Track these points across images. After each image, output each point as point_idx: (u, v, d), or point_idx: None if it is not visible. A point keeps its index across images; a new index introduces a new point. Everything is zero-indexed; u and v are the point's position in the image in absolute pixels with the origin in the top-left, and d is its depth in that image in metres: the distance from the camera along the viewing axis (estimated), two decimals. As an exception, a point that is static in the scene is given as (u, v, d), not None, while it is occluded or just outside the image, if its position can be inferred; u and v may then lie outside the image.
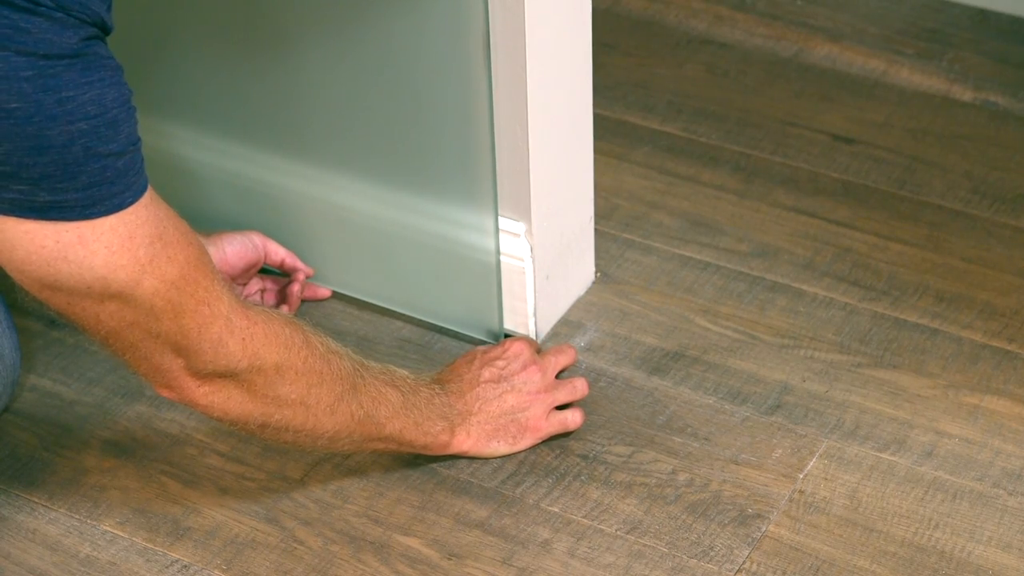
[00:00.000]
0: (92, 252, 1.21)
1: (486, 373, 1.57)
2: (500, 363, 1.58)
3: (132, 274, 1.23)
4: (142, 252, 1.23)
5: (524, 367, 1.58)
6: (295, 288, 1.73)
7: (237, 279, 1.71)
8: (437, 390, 1.53)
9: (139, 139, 1.22)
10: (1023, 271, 1.78)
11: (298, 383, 1.39)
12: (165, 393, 1.35)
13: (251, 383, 1.36)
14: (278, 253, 1.73)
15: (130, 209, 1.21)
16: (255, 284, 1.75)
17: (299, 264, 1.74)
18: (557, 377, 1.63)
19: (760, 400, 1.64)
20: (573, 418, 1.60)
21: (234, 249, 1.68)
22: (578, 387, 1.61)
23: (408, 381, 1.51)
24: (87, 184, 1.18)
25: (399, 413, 1.48)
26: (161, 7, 1.69)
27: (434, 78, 1.59)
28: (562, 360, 1.64)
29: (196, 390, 1.34)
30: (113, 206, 1.20)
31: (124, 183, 1.20)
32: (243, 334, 1.33)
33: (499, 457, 1.58)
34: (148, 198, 1.23)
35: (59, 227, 1.19)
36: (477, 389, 1.56)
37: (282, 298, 1.75)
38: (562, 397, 1.60)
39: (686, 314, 1.74)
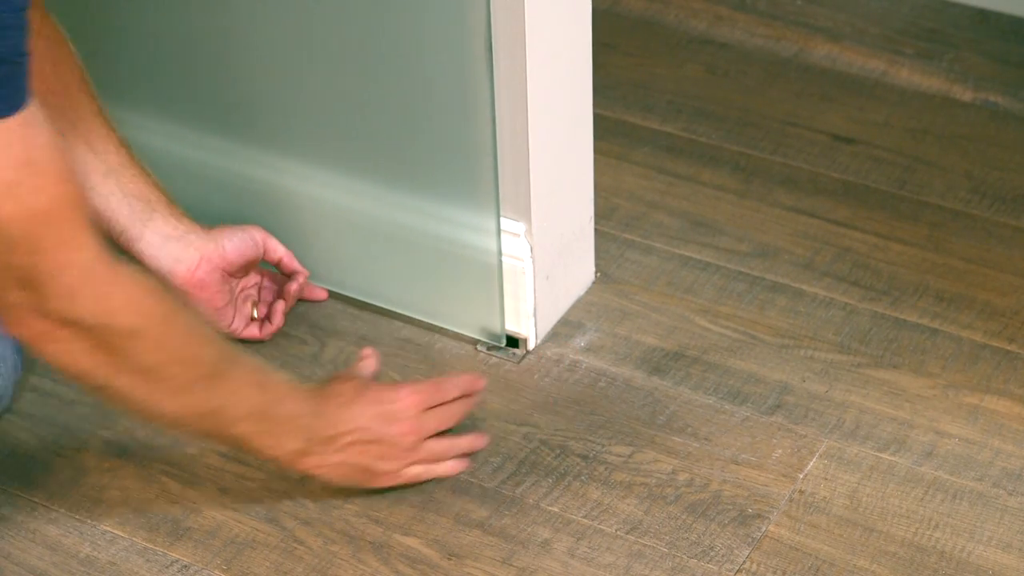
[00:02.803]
0: None
1: (367, 414, 1.51)
2: (383, 408, 1.52)
3: None
4: (7, 174, 1.18)
5: (401, 423, 1.53)
6: (293, 288, 1.73)
7: (235, 274, 1.70)
8: (308, 409, 1.47)
9: (26, 54, 1.16)
10: (1023, 271, 1.78)
11: (148, 356, 1.33)
12: (15, 331, 1.29)
13: (99, 341, 1.30)
14: (277, 252, 1.72)
15: (0, 122, 1.16)
16: (253, 278, 1.74)
17: (296, 266, 1.74)
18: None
19: (760, 400, 1.64)
20: (442, 468, 1.55)
21: (233, 245, 1.68)
22: (459, 443, 1.56)
23: (280, 388, 1.46)
24: None
25: (252, 418, 1.43)
26: (162, 6, 1.69)
27: (436, 78, 1.59)
28: (442, 425, 1.57)
29: (42, 333, 1.29)
30: None
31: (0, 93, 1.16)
32: (101, 290, 1.28)
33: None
34: (25, 119, 1.18)
35: None
36: (352, 428, 1.49)
37: (279, 294, 1.74)
38: (420, 470, 1.55)
39: (686, 314, 1.74)
